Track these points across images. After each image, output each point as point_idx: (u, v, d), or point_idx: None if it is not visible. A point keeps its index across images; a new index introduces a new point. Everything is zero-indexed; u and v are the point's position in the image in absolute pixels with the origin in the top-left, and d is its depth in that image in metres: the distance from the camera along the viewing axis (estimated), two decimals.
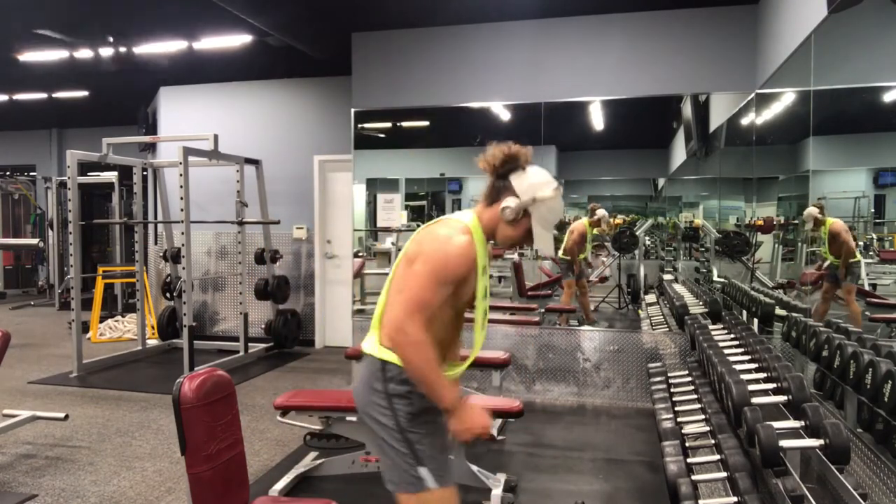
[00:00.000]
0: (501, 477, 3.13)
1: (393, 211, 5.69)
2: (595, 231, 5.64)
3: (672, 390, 3.18)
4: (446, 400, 1.76)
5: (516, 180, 1.87)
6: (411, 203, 6.16)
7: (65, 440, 4.02)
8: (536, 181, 1.86)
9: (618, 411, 4.71)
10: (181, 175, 5.33)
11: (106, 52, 6.06)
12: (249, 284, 6.51)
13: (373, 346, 1.90)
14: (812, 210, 3.09)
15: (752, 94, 4.44)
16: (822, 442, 1.81)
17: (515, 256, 5.83)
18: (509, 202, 1.85)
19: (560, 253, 5.62)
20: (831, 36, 2.93)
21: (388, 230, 5.72)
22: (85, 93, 8.50)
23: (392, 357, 1.83)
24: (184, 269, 5.54)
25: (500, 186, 1.89)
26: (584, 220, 5.59)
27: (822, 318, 2.92)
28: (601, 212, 5.58)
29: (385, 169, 6.06)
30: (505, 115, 5.37)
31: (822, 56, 3.03)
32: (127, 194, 8.67)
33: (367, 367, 1.91)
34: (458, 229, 1.83)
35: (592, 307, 5.88)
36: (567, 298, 5.56)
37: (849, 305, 2.84)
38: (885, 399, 1.89)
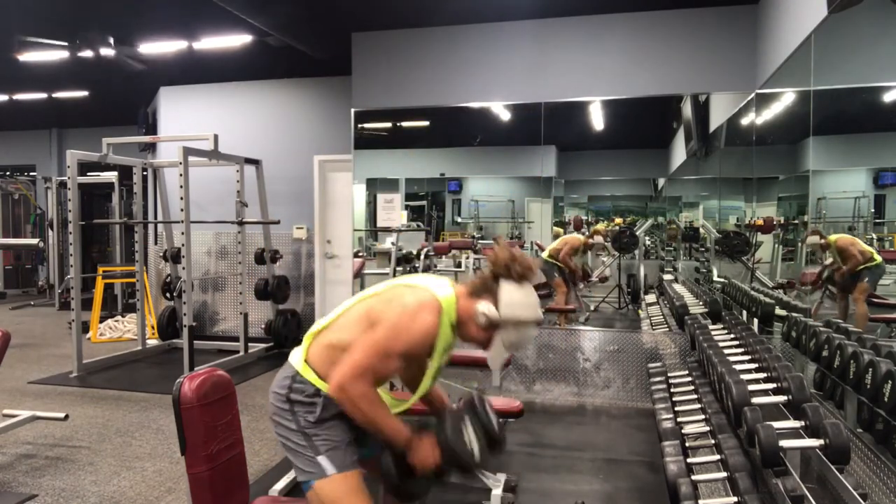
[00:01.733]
0: (501, 477, 3.13)
1: (393, 211, 5.69)
2: (580, 255, 5.64)
3: (672, 390, 3.18)
4: (398, 441, 1.82)
5: (506, 290, 1.83)
6: (411, 203, 6.16)
7: (65, 440, 4.02)
8: (523, 302, 1.83)
9: (618, 411, 4.71)
10: (181, 175, 5.33)
11: (106, 52, 6.06)
12: (249, 284, 6.51)
13: (298, 357, 1.96)
14: (812, 239, 3.02)
15: (752, 94, 4.44)
16: (822, 442, 1.81)
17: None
18: (487, 309, 1.82)
19: (545, 254, 5.62)
20: (831, 36, 2.93)
21: (388, 230, 5.72)
22: (85, 93, 8.51)
23: (309, 375, 1.90)
24: (184, 269, 5.54)
25: (489, 285, 1.85)
26: (581, 238, 5.58)
27: (845, 317, 2.87)
28: (598, 238, 5.58)
29: (385, 169, 6.06)
30: (505, 115, 5.37)
31: (822, 56, 3.03)
32: (127, 194, 8.67)
33: (281, 372, 1.98)
34: (428, 306, 1.81)
35: (592, 307, 5.88)
36: (563, 298, 5.56)
37: (857, 305, 2.84)
38: (885, 399, 1.89)
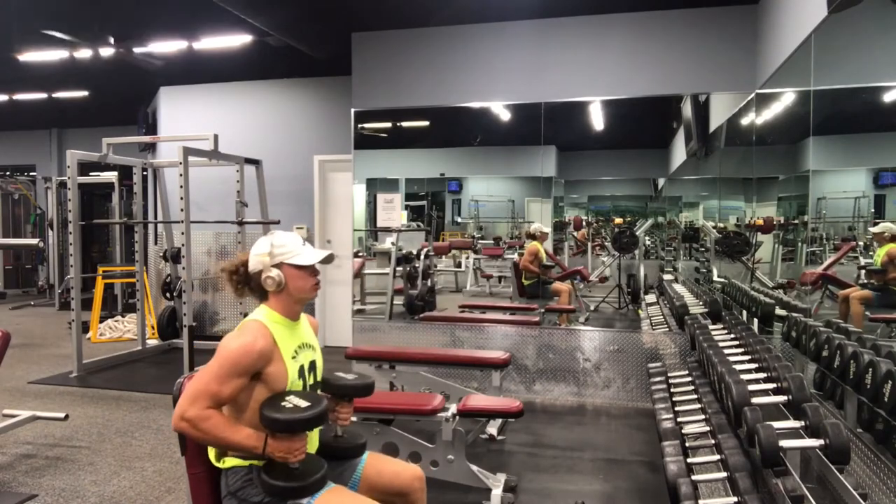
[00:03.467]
0: (501, 477, 3.13)
1: (393, 211, 5.69)
2: (543, 249, 5.61)
3: (672, 390, 3.18)
4: (253, 448, 1.81)
5: (254, 263, 2.00)
6: (411, 203, 6.16)
7: (65, 440, 4.02)
8: (254, 253, 2.01)
9: (618, 411, 4.71)
10: (181, 175, 5.32)
11: (106, 52, 6.06)
12: None
13: (215, 460, 1.95)
14: (890, 225, 2.75)
15: (752, 94, 4.44)
16: (822, 442, 1.81)
17: (515, 256, 5.84)
18: (264, 279, 1.97)
19: (524, 280, 5.66)
20: (831, 36, 2.93)
21: (388, 230, 5.72)
22: (85, 93, 8.51)
23: (230, 462, 1.90)
24: (184, 269, 5.54)
25: (253, 284, 2.02)
26: (534, 243, 5.59)
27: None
28: (535, 226, 5.60)
29: (385, 169, 6.06)
30: (505, 115, 5.37)
31: (822, 56, 3.03)
32: (127, 194, 8.66)
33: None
34: (246, 329, 1.91)
35: (592, 307, 5.89)
36: (566, 298, 5.57)
37: (852, 304, 2.83)
38: (885, 399, 1.89)
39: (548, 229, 5.60)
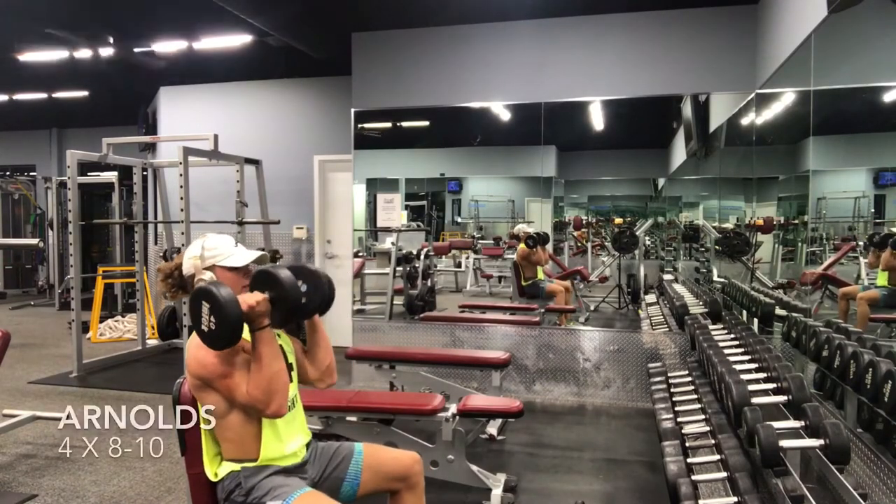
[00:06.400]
0: (501, 477, 3.13)
1: (393, 211, 5.69)
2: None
3: (672, 390, 3.18)
4: (262, 323, 1.86)
5: (186, 265, 2.03)
6: (411, 203, 6.16)
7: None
8: (186, 256, 2.03)
9: (618, 411, 4.71)
10: (181, 175, 5.32)
11: (106, 52, 6.07)
12: None
13: (211, 474, 1.95)
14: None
15: (752, 94, 4.44)
16: (822, 442, 1.81)
17: (515, 256, 5.83)
18: (197, 282, 1.97)
19: (523, 282, 5.67)
20: (831, 36, 2.93)
21: (388, 230, 5.72)
22: (85, 93, 8.51)
23: (224, 470, 1.92)
24: None
25: (188, 287, 2.02)
26: (522, 245, 5.61)
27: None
28: (518, 227, 5.71)
29: (385, 169, 6.06)
30: (505, 115, 5.37)
31: (822, 56, 3.03)
32: (127, 194, 8.66)
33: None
34: (198, 342, 1.89)
35: (592, 307, 5.89)
36: (562, 298, 5.57)
37: (858, 305, 2.83)
38: (885, 399, 1.89)
39: (529, 229, 5.65)
